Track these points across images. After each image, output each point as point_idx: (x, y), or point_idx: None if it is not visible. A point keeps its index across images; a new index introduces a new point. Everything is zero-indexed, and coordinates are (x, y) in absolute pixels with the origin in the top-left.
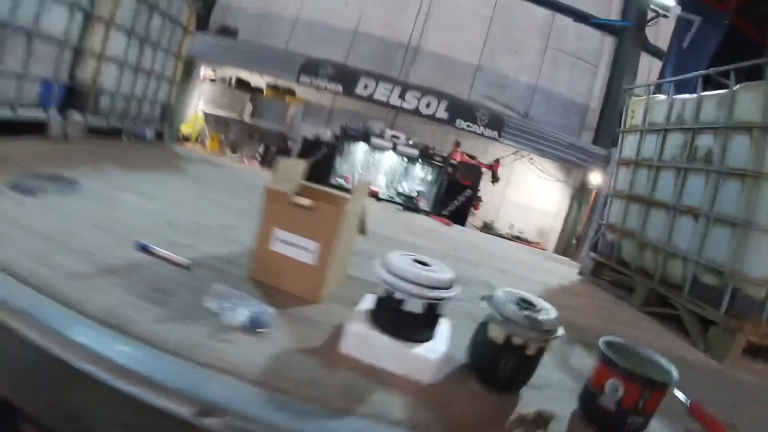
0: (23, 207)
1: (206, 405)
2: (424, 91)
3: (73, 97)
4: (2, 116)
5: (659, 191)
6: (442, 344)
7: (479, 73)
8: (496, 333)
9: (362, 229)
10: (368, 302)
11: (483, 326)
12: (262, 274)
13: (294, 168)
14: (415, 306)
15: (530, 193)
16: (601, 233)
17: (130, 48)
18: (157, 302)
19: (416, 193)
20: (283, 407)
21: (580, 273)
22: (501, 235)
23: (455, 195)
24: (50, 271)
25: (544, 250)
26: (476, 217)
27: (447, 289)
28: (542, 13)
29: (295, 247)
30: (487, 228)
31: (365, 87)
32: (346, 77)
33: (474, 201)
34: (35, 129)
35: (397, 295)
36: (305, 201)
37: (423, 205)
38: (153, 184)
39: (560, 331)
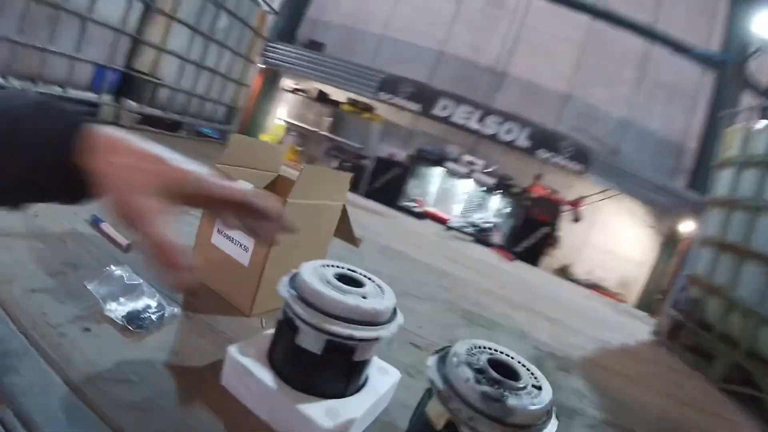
0: None
1: None
2: (507, 117)
3: (128, 85)
4: (52, 93)
5: (758, 239)
6: (357, 408)
7: (568, 103)
8: (435, 413)
9: (350, 238)
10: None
11: (424, 397)
12: (200, 272)
13: (264, 150)
14: (311, 342)
15: (615, 238)
16: (684, 287)
17: (193, 44)
18: (55, 274)
19: (490, 225)
20: (70, 419)
21: (654, 333)
22: (577, 281)
23: (531, 231)
24: None
25: (623, 302)
26: (553, 258)
27: (366, 324)
28: (637, 42)
29: (233, 243)
30: (564, 271)
31: (444, 108)
32: (426, 97)
33: (551, 240)
34: (91, 112)
35: (296, 322)
36: (244, 185)
37: (496, 239)
38: None
39: (548, 428)
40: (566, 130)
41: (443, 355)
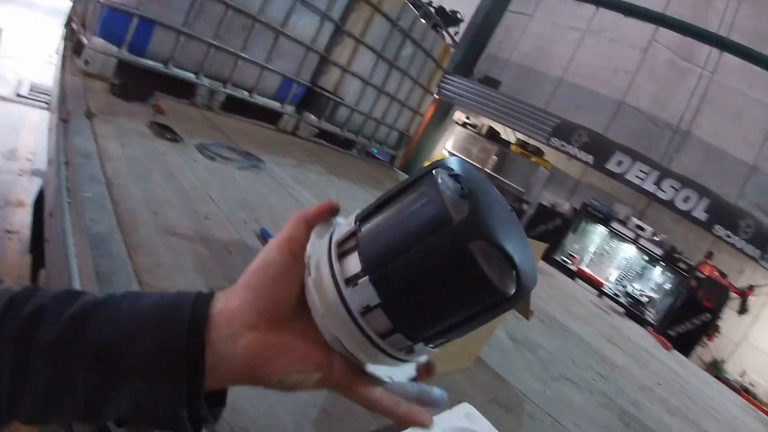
0: (194, 163)
1: None
2: (685, 182)
3: (311, 100)
4: (238, 95)
5: None
6: None
7: (753, 175)
8: None
9: (524, 310)
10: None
11: None
12: None
13: None
14: None
15: None
16: None
17: (376, 69)
18: (216, 288)
19: (646, 299)
20: None
21: None
22: (727, 382)
23: (691, 315)
24: (152, 218)
25: None
26: (707, 349)
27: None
28: None
29: None
30: (716, 367)
31: (619, 164)
32: (600, 148)
33: (711, 329)
34: (271, 119)
35: None
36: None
37: (650, 315)
38: (340, 191)
39: None
40: (747, 207)
41: None
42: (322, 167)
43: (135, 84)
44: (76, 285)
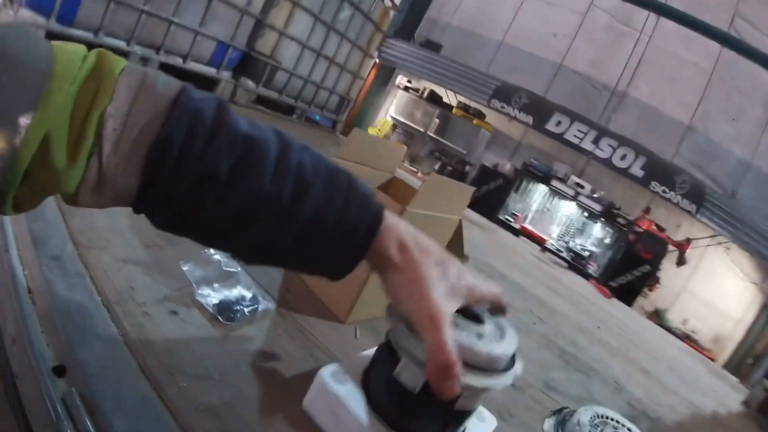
0: None
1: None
2: (622, 141)
3: (247, 65)
4: (172, 63)
5: None
6: None
7: (688, 135)
8: None
9: (458, 254)
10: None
11: None
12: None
13: (384, 148)
14: (410, 378)
15: (716, 289)
16: None
17: (314, 32)
18: (151, 246)
19: (587, 254)
20: (140, 411)
21: (745, 403)
22: (670, 329)
23: (631, 267)
24: None
25: (713, 360)
26: (648, 299)
27: (477, 369)
28: None
29: None
30: (658, 316)
31: (558, 124)
32: (540, 110)
33: (651, 280)
34: (208, 86)
35: (399, 353)
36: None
37: (591, 268)
38: None
39: None
40: (682, 164)
41: (561, 419)
42: None
43: None
44: (12, 250)
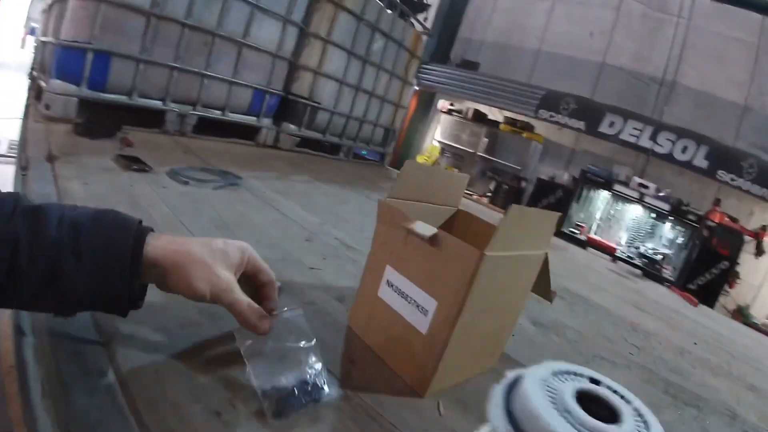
0: (164, 191)
1: None
2: (680, 133)
3: (287, 109)
4: (210, 116)
5: None
6: None
7: (746, 115)
8: None
9: (545, 291)
10: None
11: None
12: (361, 328)
13: (447, 179)
14: None
15: None
16: None
17: (349, 67)
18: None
19: (660, 257)
20: None
21: None
22: (756, 327)
23: (708, 266)
24: None
25: None
26: (729, 297)
27: None
28: None
29: (407, 301)
30: (741, 314)
31: (611, 125)
32: (590, 113)
33: (730, 276)
34: (249, 136)
35: None
36: (424, 229)
37: (667, 273)
38: (329, 198)
39: None
40: (746, 147)
41: None
42: (308, 175)
43: (100, 120)
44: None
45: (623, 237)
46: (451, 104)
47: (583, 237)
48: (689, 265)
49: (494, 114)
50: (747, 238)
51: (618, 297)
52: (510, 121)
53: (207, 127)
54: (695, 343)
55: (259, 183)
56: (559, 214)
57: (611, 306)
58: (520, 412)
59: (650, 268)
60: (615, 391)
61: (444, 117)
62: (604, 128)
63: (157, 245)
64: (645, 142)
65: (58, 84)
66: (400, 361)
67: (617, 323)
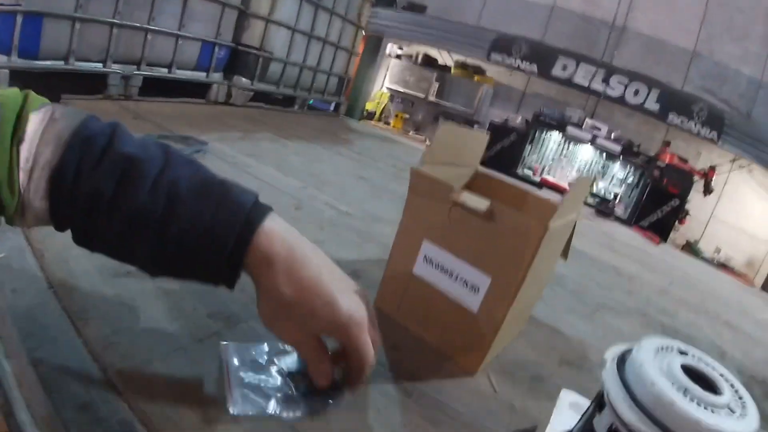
0: None
1: None
2: (632, 77)
3: (238, 62)
4: (156, 75)
5: None
6: None
7: (695, 61)
8: None
9: (565, 251)
10: (567, 415)
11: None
12: (393, 308)
13: (465, 140)
14: None
15: (744, 213)
16: None
17: (302, 13)
18: (201, 338)
19: (612, 196)
20: None
21: None
22: (705, 260)
23: (659, 204)
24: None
25: (751, 285)
26: (679, 233)
27: None
28: None
29: (451, 277)
30: (691, 248)
31: (564, 68)
32: (542, 56)
33: (680, 214)
34: (199, 93)
35: None
36: (476, 202)
37: (619, 211)
38: (302, 156)
39: None
40: (695, 92)
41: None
42: (271, 132)
43: (35, 91)
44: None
45: (574, 176)
46: (400, 48)
47: (536, 178)
48: (640, 203)
49: (444, 58)
50: (696, 177)
51: (593, 241)
52: (460, 65)
53: (153, 88)
54: (671, 283)
55: (225, 146)
56: (594, 177)
57: (591, 251)
58: (635, 383)
59: (603, 208)
60: (699, 359)
61: (393, 62)
62: (557, 71)
63: (268, 244)
64: (597, 84)
65: None
66: (446, 342)
67: (603, 269)
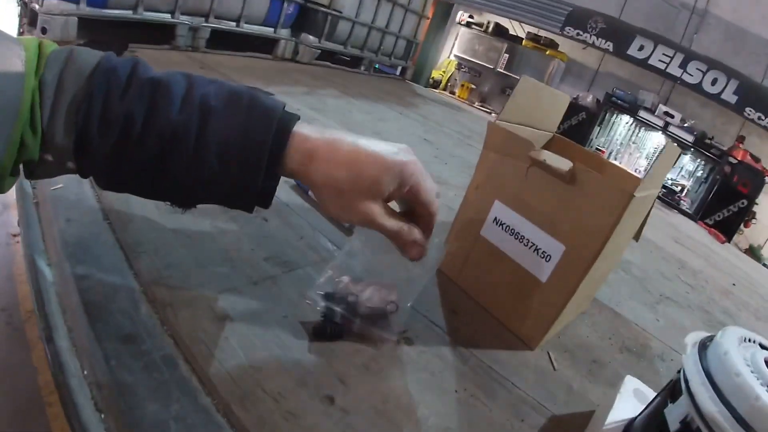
0: None
1: None
2: (711, 64)
3: (306, 19)
4: (224, 28)
5: None
6: None
7: None
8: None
9: (639, 232)
10: (630, 403)
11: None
12: (455, 270)
13: (546, 99)
14: None
15: None
16: None
17: None
18: (260, 280)
19: (679, 189)
20: None
21: None
22: (766, 266)
23: (727, 202)
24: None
25: None
26: (743, 236)
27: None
28: None
29: (521, 242)
30: (753, 253)
31: (640, 48)
32: (619, 34)
33: (747, 215)
34: (266, 49)
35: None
36: (561, 161)
37: (685, 204)
38: (366, 114)
39: None
40: None
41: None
42: (336, 90)
43: (104, 40)
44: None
45: (643, 164)
46: (471, 17)
47: None
48: (708, 199)
49: (516, 29)
50: (767, 178)
51: (659, 230)
52: (532, 37)
53: (222, 41)
54: (734, 284)
55: (290, 100)
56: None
57: (657, 240)
58: (717, 371)
59: (668, 198)
60: None
61: (462, 30)
62: (633, 51)
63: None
64: (674, 69)
65: (53, 3)
66: (508, 311)
67: (668, 259)
